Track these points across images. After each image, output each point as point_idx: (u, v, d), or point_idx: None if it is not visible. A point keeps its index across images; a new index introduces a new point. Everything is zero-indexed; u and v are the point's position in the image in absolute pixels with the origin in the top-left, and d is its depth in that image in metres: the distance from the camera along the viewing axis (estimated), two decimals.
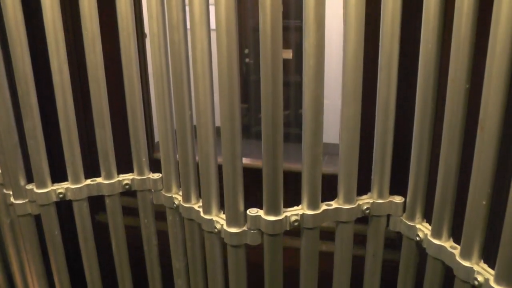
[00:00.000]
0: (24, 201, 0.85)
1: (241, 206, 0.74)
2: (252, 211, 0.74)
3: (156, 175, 0.85)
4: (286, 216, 0.73)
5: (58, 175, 0.85)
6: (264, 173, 0.71)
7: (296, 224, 0.73)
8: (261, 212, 0.74)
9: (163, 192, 0.85)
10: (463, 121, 0.60)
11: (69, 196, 0.84)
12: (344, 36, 0.65)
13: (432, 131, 0.67)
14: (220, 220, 0.77)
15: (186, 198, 0.81)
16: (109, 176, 0.85)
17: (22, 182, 0.84)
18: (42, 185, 0.83)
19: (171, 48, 0.73)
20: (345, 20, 0.64)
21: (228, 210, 0.74)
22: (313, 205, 0.73)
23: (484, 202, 0.58)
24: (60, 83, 0.77)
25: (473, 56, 0.57)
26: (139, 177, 0.86)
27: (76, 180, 0.83)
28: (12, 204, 0.85)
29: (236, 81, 0.67)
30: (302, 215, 0.73)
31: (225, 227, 0.75)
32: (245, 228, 0.75)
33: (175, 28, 0.71)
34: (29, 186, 0.84)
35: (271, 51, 0.63)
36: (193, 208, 0.80)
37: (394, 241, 0.86)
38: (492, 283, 0.59)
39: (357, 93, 0.67)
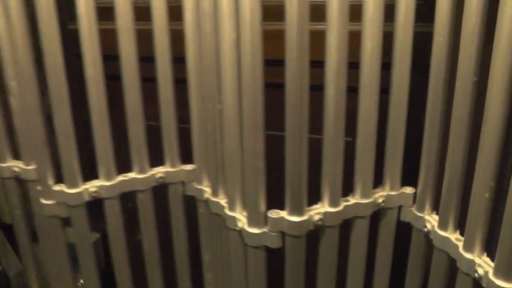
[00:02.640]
0: (52, 202, 0.81)
1: (262, 207, 0.72)
2: (274, 213, 0.71)
3: (190, 167, 0.85)
4: (309, 216, 0.70)
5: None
6: (287, 172, 0.68)
7: (320, 223, 0.71)
8: (283, 213, 0.71)
9: (194, 184, 0.85)
10: (470, 114, 0.60)
11: (103, 195, 0.81)
12: (362, 30, 0.65)
13: (443, 124, 0.67)
14: (243, 218, 0.75)
15: (214, 192, 0.81)
16: (142, 170, 0.83)
17: (51, 181, 0.80)
18: (73, 184, 0.79)
19: (202, 39, 0.73)
20: (364, 13, 0.64)
21: (249, 210, 0.72)
22: (334, 202, 0.71)
23: (487, 195, 0.58)
24: (93, 77, 0.74)
25: (481, 49, 0.57)
26: (172, 169, 0.85)
27: (108, 177, 0.81)
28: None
29: (259, 75, 0.65)
30: (325, 213, 0.71)
31: (245, 227, 0.73)
32: (265, 229, 0.72)
33: (207, 19, 0.71)
34: (57, 187, 0.80)
35: (297, 46, 0.61)
36: (219, 203, 0.79)
37: None
38: (491, 276, 0.58)
39: (374, 85, 0.67)
